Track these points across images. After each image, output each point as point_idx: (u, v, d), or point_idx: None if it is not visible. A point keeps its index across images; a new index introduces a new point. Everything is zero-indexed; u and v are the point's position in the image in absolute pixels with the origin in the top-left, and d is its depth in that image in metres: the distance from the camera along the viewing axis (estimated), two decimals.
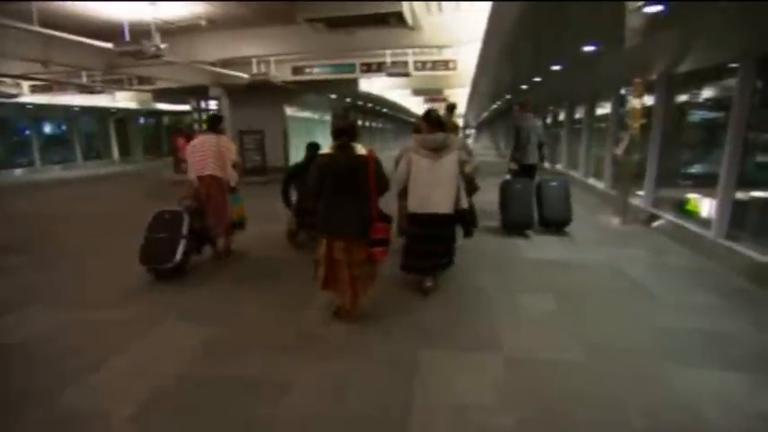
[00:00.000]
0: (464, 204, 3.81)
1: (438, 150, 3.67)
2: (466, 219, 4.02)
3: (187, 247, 4.33)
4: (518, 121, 6.42)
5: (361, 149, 3.19)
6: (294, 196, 5.30)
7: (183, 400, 2.49)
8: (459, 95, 19.48)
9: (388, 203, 3.73)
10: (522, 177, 6.10)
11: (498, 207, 6.06)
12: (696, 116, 6.26)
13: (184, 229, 4.32)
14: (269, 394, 2.51)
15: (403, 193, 3.87)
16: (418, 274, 3.95)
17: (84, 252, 5.57)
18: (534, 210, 5.90)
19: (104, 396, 2.54)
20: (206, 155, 4.66)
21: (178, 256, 4.19)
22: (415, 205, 3.73)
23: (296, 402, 2.44)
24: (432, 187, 3.65)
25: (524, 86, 11.11)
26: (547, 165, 6.56)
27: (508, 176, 6.32)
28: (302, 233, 5.28)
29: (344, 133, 3.19)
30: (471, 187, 4.40)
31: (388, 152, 5.48)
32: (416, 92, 20.05)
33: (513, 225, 5.86)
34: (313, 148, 5.00)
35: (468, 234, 4.24)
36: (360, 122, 24.80)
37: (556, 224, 5.92)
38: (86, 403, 2.47)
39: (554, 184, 6.06)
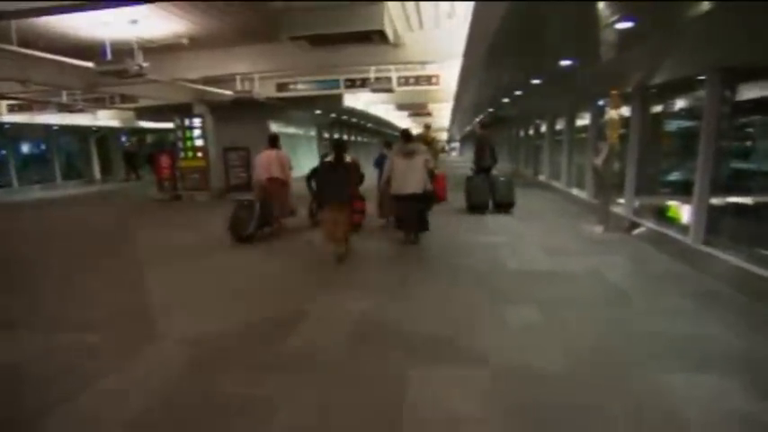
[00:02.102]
0: (429, 187, 5.85)
1: (410, 154, 5.88)
2: (429, 197, 5.97)
3: (257, 223, 6.43)
4: (479, 135, 9.48)
5: (347, 158, 5.53)
6: (313, 185, 6.70)
7: (168, 420, 2.43)
8: (444, 110, 19.78)
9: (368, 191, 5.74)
10: (480, 175, 8.67)
11: (464, 195, 8.64)
12: (671, 126, 6.48)
13: (256, 212, 6.41)
14: (257, 412, 2.46)
15: (388, 182, 5.99)
16: (405, 230, 6.08)
17: (62, 274, 5.43)
18: (489, 196, 8.40)
19: (90, 419, 2.46)
20: (270, 163, 6.69)
21: (251, 228, 6.37)
22: (396, 187, 5.89)
23: (283, 420, 2.40)
24: (407, 177, 5.79)
25: (506, 99, 11.33)
26: (498, 166, 9.23)
27: (471, 173, 8.95)
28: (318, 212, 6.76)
29: (339, 148, 5.55)
30: (432, 176, 6.14)
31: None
32: (400, 107, 20.28)
33: (475, 206, 8.38)
34: (324, 156, 7.00)
35: (428, 208, 6.15)
36: (346, 137, 25.12)
37: (504, 206, 8.33)
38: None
39: (502, 179, 8.62)
